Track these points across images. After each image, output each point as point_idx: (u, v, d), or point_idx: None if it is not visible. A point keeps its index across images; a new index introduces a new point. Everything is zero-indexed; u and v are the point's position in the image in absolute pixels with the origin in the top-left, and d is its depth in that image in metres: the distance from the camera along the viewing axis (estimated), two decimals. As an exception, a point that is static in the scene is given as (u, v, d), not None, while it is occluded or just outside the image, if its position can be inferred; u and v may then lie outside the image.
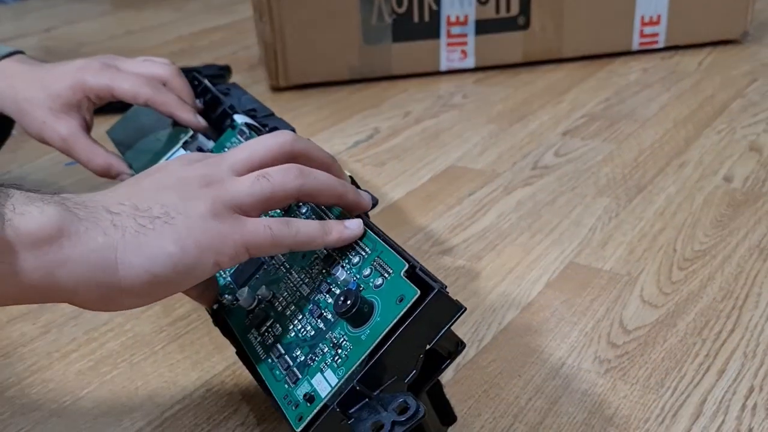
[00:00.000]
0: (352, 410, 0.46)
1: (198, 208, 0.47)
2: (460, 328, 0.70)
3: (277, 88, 1.39)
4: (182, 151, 0.78)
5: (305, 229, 0.49)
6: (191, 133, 0.79)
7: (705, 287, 0.73)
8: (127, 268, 0.44)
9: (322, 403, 0.47)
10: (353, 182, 0.66)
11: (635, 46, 1.42)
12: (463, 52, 1.40)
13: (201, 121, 0.80)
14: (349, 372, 0.47)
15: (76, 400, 0.65)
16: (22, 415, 0.64)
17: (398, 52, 1.39)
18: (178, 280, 0.46)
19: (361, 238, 0.52)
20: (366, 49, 1.38)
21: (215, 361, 0.68)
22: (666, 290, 0.73)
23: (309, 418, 0.47)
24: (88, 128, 0.82)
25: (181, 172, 0.50)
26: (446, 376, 0.65)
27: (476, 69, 1.41)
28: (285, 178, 0.49)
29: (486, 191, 0.95)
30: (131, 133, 0.89)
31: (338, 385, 0.47)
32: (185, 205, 0.47)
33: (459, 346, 0.50)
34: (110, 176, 0.82)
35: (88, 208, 0.46)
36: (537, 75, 1.36)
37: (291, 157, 0.52)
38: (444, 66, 1.40)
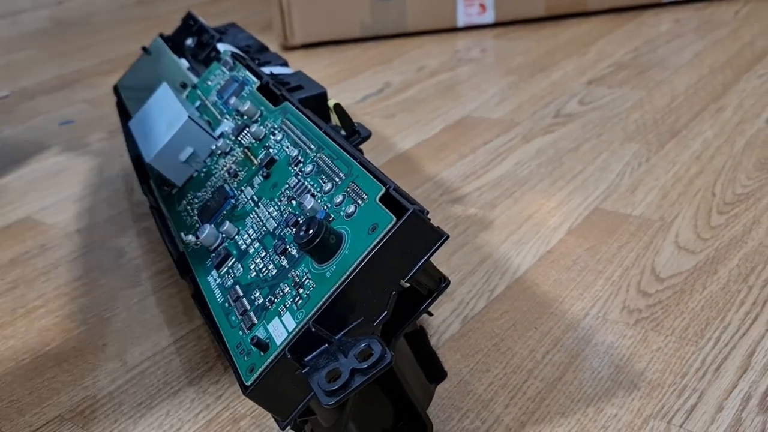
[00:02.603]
0: (308, 357, 0.38)
1: None
2: (469, 278, 0.62)
3: (287, 48, 1.31)
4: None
5: None
6: (195, 82, 0.71)
7: (749, 231, 0.65)
8: None
9: (276, 352, 0.39)
10: (342, 112, 0.58)
11: (666, -2, 1.33)
12: (482, 5, 1.31)
13: None
14: (310, 315, 0.38)
15: (36, 357, 0.58)
16: (-26, 374, 0.57)
17: (413, 7, 1.30)
18: None
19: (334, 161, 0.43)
20: (378, 5, 1.30)
21: (193, 315, 0.61)
22: (705, 235, 0.65)
23: (261, 370, 0.39)
24: None
25: None
26: (451, 329, 0.56)
27: (496, 24, 1.32)
28: None
29: (503, 140, 0.87)
30: (138, 81, 0.83)
31: (296, 330, 0.38)
32: None
33: (441, 282, 0.41)
34: None
35: None
36: (561, 29, 1.27)
37: None
38: (462, 21, 1.32)
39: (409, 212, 0.37)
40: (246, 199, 0.49)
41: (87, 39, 1.54)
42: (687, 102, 0.92)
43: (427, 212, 0.39)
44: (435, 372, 0.47)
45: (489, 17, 1.32)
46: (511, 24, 1.32)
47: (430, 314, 0.54)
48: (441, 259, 0.64)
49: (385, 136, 0.91)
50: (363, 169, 0.42)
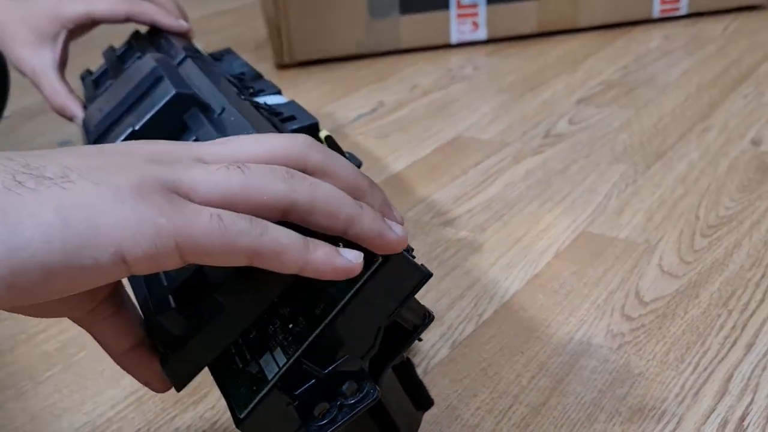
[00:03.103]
0: (298, 391, 0.39)
1: (117, 179, 0.32)
2: (458, 303, 0.64)
3: (282, 66, 1.33)
4: None
5: (276, 234, 0.33)
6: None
7: (731, 255, 0.66)
8: None
9: (267, 387, 0.40)
10: (334, 144, 0.59)
11: (656, 14, 1.35)
12: (475, 23, 1.33)
13: (183, 24, 0.78)
14: (300, 351, 0.40)
15: (37, 384, 0.60)
16: (-23, 401, 0.58)
17: (406, 25, 1.32)
18: (52, 267, 0.30)
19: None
20: (373, 23, 1.31)
21: (190, 340, 0.62)
22: (687, 259, 0.66)
23: (253, 404, 0.40)
24: (62, 63, 0.81)
25: (137, 145, 0.36)
26: (439, 354, 0.58)
27: (489, 41, 1.34)
28: (267, 177, 0.34)
29: (493, 161, 0.89)
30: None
31: (286, 365, 0.40)
32: (100, 174, 0.32)
33: (426, 318, 0.42)
34: (66, 117, 0.80)
35: None
36: (552, 45, 1.29)
37: (300, 169, 0.36)
38: (455, 38, 1.34)
39: (394, 254, 0.38)
40: None
41: (86, 57, 1.55)
42: (673, 122, 0.94)
43: (412, 249, 0.40)
44: (422, 400, 0.49)
45: (481, 34, 1.34)
46: (503, 41, 1.33)
47: (420, 340, 0.56)
48: (432, 283, 0.66)
49: (378, 156, 0.93)
50: None
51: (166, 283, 0.43)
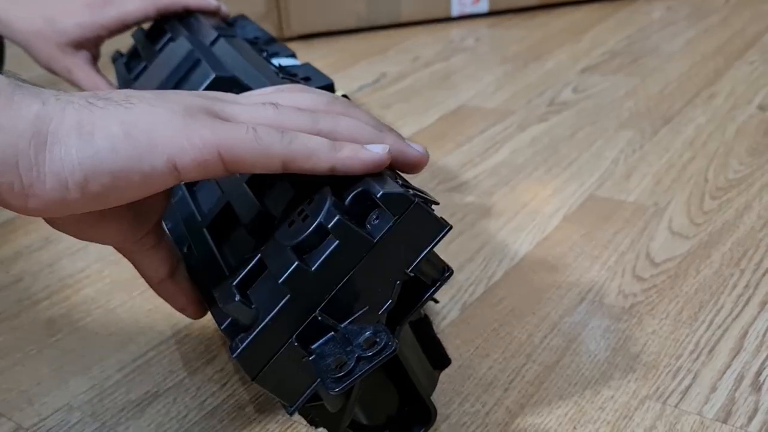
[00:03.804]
0: (315, 345, 0.39)
1: (171, 104, 0.37)
2: (467, 266, 0.63)
3: (283, 39, 1.32)
4: None
5: (305, 139, 0.38)
6: None
7: (741, 216, 0.66)
8: (58, 145, 0.34)
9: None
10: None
11: (659, -15, 1.34)
12: (476, -5, 1.32)
13: (212, 3, 0.78)
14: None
15: (43, 348, 0.59)
16: (-18, 365, 0.58)
17: (407, -3, 1.31)
18: (118, 172, 0.35)
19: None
20: (373, -4, 1.31)
21: (197, 304, 0.62)
22: (697, 220, 0.66)
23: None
24: (95, 60, 0.81)
25: (187, 92, 0.41)
26: (451, 315, 0.58)
27: (490, 14, 1.33)
28: (295, 112, 0.40)
29: (498, 129, 0.88)
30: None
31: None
32: (157, 100, 0.37)
33: (445, 272, 0.42)
34: None
35: (35, 86, 0.37)
36: (554, 17, 1.28)
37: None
38: (456, 11, 1.33)
39: (413, 204, 0.38)
40: None
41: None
42: (680, 89, 0.93)
43: (434, 203, 0.40)
44: (439, 359, 0.48)
45: (483, 6, 1.32)
46: (504, 13, 1.32)
47: (436, 301, 0.56)
48: (440, 247, 0.65)
49: (381, 126, 0.92)
50: None
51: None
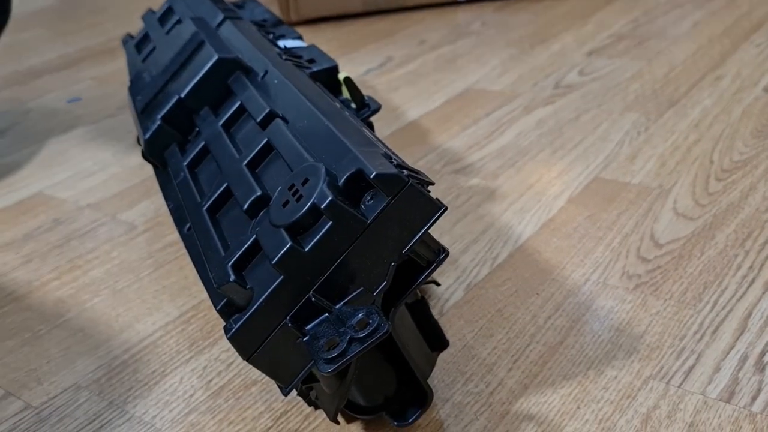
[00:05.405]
0: (309, 326, 0.39)
1: None
2: (472, 247, 0.63)
3: (289, 23, 1.32)
4: None
5: None
6: None
7: (746, 197, 0.66)
8: None
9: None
10: (352, 85, 0.59)
11: (666, -32, 1.33)
12: (482, -22, 1.31)
13: None
14: None
15: (51, 329, 0.60)
16: (-8, 345, 0.58)
17: (413, -20, 1.31)
18: None
19: None
20: (379, -21, 1.30)
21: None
22: (702, 202, 0.66)
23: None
24: None
25: None
26: (454, 297, 0.58)
27: (496, -3, 1.33)
28: None
29: (504, 111, 0.88)
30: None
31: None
32: None
33: (440, 254, 0.42)
34: None
35: None
36: (560, 0, 1.28)
37: None
38: (462, -6, 1.32)
39: (407, 185, 0.38)
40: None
41: (93, 17, 1.54)
42: (686, 71, 0.93)
43: (429, 183, 0.40)
44: (437, 340, 0.48)
45: (489, -10, 1.32)
46: (511, -4, 1.32)
47: (437, 284, 0.56)
48: (444, 228, 0.66)
49: (388, 108, 0.92)
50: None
51: None
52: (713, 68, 0.93)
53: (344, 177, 0.39)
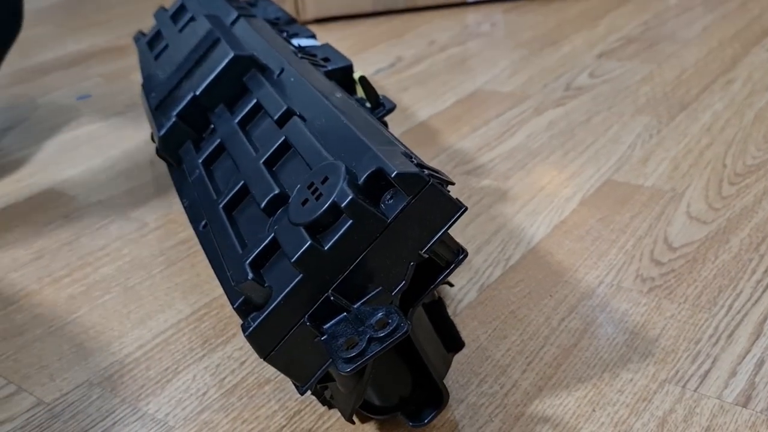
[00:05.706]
0: (327, 325, 0.39)
1: None
2: (485, 248, 0.63)
3: (299, 22, 1.31)
4: None
5: None
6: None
7: (760, 201, 0.66)
8: None
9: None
10: (367, 84, 0.59)
11: (676, -29, 1.33)
12: (492, -21, 1.31)
13: None
14: None
15: (63, 325, 0.60)
16: (4, 341, 0.58)
17: (423, -20, 1.31)
18: None
19: None
20: (389, -21, 1.30)
21: (216, 284, 0.62)
22: (716, 205, 0.66)
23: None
24: None
25: None
26: (468, 298, 0.58)
27: (505, -2, 1.33)
28: None
29: (515, 113, 0.88)
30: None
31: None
32: None
33: (459, 254, 0.42)
34: None
35: None
36: (570, 3, 1.28)
37: None
38: (471, -5, 1.32)
39: (428, 184, 0.38)
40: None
41: (102, 14, 1.54)
42: (697, 75, 0.93)
43: (449, 183, 0.40)
44: (453, 341, 0.48)
45: (498, -9, 1.32)
46: (520, -2, 1.32)
47: (451, 285, 0.56)
48: (457, 230, 0.66)
49: (398, 108, 0.92)
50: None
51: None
52: (724, 72, 0.93)
53: (364, 176, 0.39)
